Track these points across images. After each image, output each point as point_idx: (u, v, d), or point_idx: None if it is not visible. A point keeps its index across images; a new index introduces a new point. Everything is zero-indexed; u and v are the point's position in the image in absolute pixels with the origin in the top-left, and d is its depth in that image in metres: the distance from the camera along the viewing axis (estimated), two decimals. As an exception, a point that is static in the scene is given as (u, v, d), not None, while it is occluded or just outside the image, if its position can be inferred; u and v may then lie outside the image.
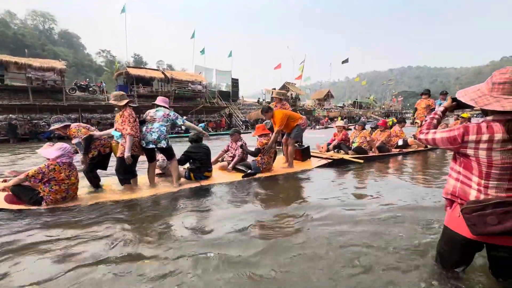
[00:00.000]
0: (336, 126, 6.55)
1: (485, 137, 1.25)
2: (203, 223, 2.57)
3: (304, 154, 5.34)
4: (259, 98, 31.25)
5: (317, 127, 24.59)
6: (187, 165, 4.25)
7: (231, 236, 2.20)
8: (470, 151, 1.30)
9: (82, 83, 19.71)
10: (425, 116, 6.99)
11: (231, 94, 26.52)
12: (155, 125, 3.62)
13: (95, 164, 3.48)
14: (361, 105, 44.29)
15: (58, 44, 63.86)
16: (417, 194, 3.32)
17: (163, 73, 21.90)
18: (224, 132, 18.02)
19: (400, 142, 6.86)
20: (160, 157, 4.34)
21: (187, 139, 5.04)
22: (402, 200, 3.07)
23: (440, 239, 1.59)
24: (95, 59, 67.14)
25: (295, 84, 33.97)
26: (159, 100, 3.91)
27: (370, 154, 5.98)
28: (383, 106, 51.24)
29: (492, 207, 1.24)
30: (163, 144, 3.58)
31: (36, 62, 16.11)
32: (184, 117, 19.18)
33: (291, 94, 31.42)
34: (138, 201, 3.22)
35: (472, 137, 1.28)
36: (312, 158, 5.60)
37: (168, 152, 3.73)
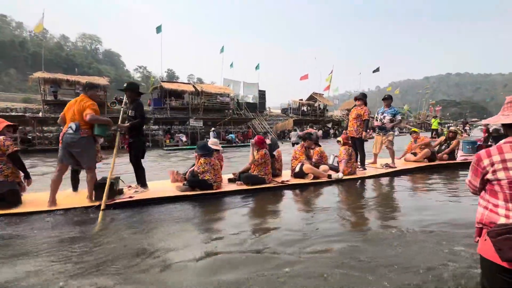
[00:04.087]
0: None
1: (496, 158, 1.31)
2: None
3: (98, 188, 3.45)
4: (286, 109, 31.21)
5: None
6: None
7: None
8: (490, 176, 1.34)
9: (122, 97, 21.40)
10: (355, 130, 5.35)
11: (258, 106, 26.87)
12: None
13: None
14: (394, 115, 42.12)
15: (102, 63, 70.51)
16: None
17: (193, 86, 23.00)
18: (251, 143, 18.11)
19: (297, 168, 4.87)
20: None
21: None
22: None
23: (481, 270, 1.47)
24: (133, 74, 72.77)
25: (322, 94, 33.50)
26: None
27: (223, 188, 4.16)
28: (419, 117, 48.22)
29: None
30: None
31: (84, 79, 17.98)
32: (213, 128, 19.67)
33: (319, 105, 30.98)
34: None
35: (485, 161, 1.34)
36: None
37: None
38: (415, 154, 6.50)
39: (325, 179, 4.71)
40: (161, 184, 4.52)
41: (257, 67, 29.46)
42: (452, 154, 6.46)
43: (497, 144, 1.37)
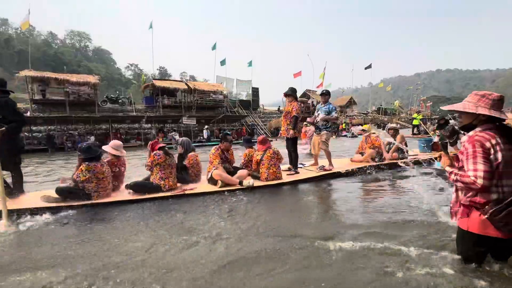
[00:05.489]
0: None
1: (493, 141, 1.51)
2: None
3: None
4: (279, 106, 31.25)
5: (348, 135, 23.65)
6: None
7: None
8: (491, 157, 1.51)
9: (113, 96, 21.08)
10: (286, 129, 4.80)
11: (252, 103, 26.81)
12: None
13: None
14: (386, 111, 42.67)
15: (92, 60, 69.08)
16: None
17: (186, 84, 22.76)
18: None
19: (209, 174, 4.25)
20: None
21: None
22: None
23: (464, 245, 1.71)
24: (124, 72, 71.58)
25: (316, 91, 33.62)
26: None
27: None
28: (410, 112, 48.95)
29: None
30: None
31: (73, 78, 17.58)
32: (206, 126, 19.52)
33: (312, 102, 31.09)
34: None
35: (487, 144, 1.51)
36: None
37: None
38: (362, 154, 6.10)
39: (236, 187, 4.03)
40: (48, 192, 3.72)
41: (249, 64, 29.30)
42: (402, 152, 6.13)
43: (479, 133, 1.56)
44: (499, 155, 1.47)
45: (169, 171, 3.87)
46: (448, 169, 1.71)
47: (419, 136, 14.74)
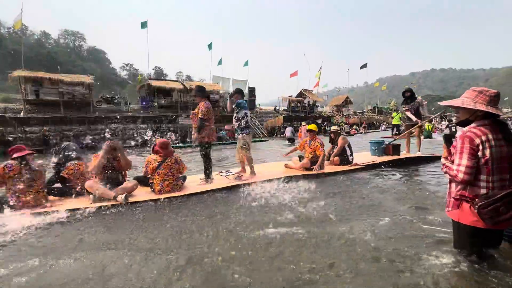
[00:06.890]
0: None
1: (483, 138, 1.56)
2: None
3: None
4: (275, 106, 31.32)
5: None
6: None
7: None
8: (479, 153, 1.56)
9: (108, 96, 20.91)
10: (194, 133, 4.24)
11: (248, 103, 26.82)
12: None
13: None
14: (382, 110, 42.98)
15: (86, 60, 68.34)
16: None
17: (182, 84, 22.68)
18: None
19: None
20: None
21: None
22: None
23: (458, 236, 1.76)
24: (119, 72, 71.02)
25: (312, 91, 33.73)
26: None
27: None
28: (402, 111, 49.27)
29: (501, 199, 1.48)
30: None
31: (67, 78, 17.41)
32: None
33: (308, 101, 31.19)
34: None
35: (477, 140, 1.56)
36: None
37: None
38: (301, 158, 5.37)
39: (111, 202, 3.36)
40: None
41: (245, 64, 29.29)
42: (344, 156, 5.44)
43: (472, 129, 1.61)
44: (487, 152, 1.53)
45: (28, 184, 3.27)
46: (442, 160, 1.80)
47: (398, 136, 14.14)
